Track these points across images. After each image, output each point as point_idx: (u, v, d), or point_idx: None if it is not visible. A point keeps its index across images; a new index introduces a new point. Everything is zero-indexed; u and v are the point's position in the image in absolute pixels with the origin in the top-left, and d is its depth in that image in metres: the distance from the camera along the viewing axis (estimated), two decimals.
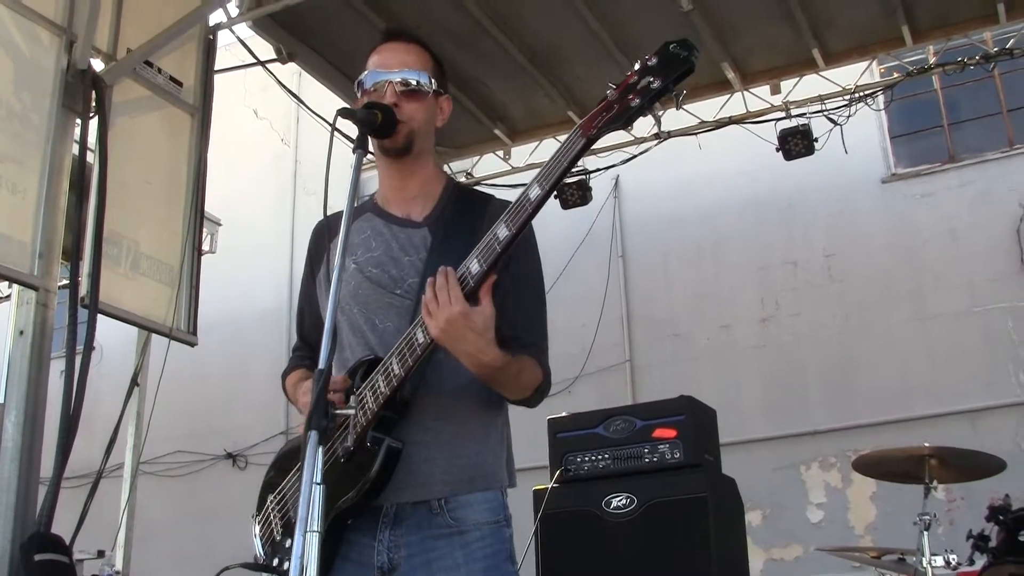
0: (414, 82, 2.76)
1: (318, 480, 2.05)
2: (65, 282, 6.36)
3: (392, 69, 2.77)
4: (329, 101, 9.24)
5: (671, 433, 5.16)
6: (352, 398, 2.47)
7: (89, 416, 5.94)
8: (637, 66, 2.26)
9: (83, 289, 6.03)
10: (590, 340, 12.26)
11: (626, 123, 2.27)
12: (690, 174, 12.27)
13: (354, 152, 2.55)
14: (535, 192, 2.32)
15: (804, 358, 11.62)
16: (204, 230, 8.27)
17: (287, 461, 2.80)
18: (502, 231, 2.34)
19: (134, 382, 7.22)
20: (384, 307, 2.67)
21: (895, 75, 10.35)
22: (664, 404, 5.35)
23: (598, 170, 10.65)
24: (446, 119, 2.89)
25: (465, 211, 2.71)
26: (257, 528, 2.81)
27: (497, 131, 10.55)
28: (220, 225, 11.21)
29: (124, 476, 8.08)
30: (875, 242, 11.64)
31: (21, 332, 6.01)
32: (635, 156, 10.57)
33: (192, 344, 7.08)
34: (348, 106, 2.67)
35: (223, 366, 14.33)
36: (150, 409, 7.57)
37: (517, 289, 2.63)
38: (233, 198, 13.18)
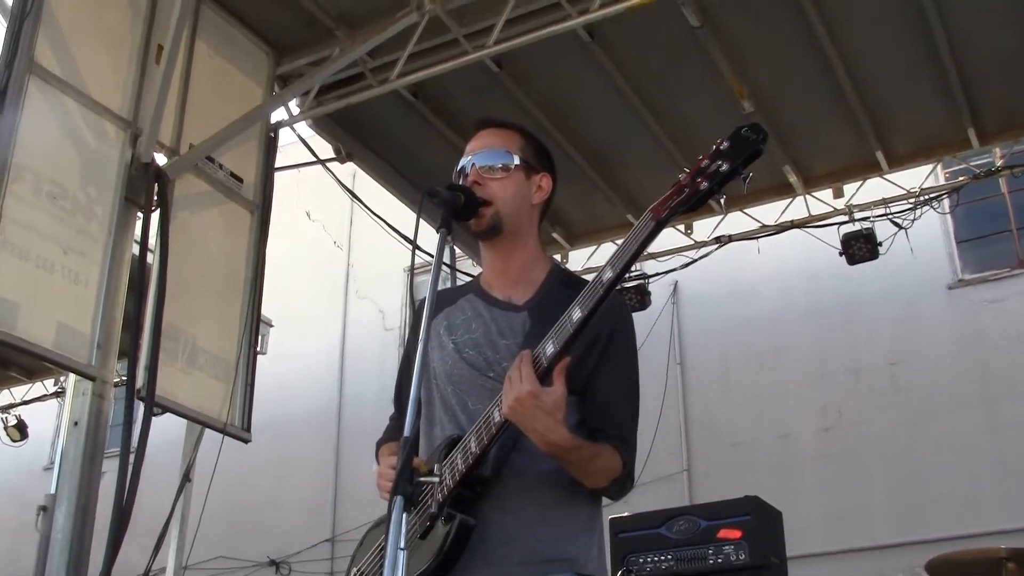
0: (494, 162, 2.87)
1: (403, 546, 2.11)
2: (121, 377, 6.48)
3: (475, 152, 2.90)
4: (384, 203, 9.42)
5: (736, 534, 5.16)
6: (436, 469, 2.56)
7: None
8: (711, 150, 2.33)
9: (139, 382, 6.15)
10: (647, 448, 12.12)
11: (695, 206, 2.34)
12: (750, 279, 12.31)
13: (438, 231, 2.64)
14: (607, 274, 2.40)
15: (868, 469, 11.49)
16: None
17: (370, 536, 2.89)
18: (575, 313, 2.42)
19: (186, 478, 7.27)
20: (477, 389, 2.73)
21: (961, 178, 10.35)
22: (729, 504, 5.35)
23: (657, 274, 10.72)
24: (546, 196, 2.95)
25: (567, 297, 2.65)
26: None
27: (555, 234, 10.66)
28: (272, 326, 11.38)
29: None
30: (942, 349, 11.58)
31: (76, 423, 6.11)
32: (695, 260, 10.61)
33: (246, 440, 7.16)
34: (434, 187, 2.75)
35: (269, 469, 14.38)
36: (197, 511, 7.57)
37: (610, 377, 2.69)
38: (284, 300, 13.33)
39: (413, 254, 2.83)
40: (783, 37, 8.16)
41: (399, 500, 2.16)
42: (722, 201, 2.40)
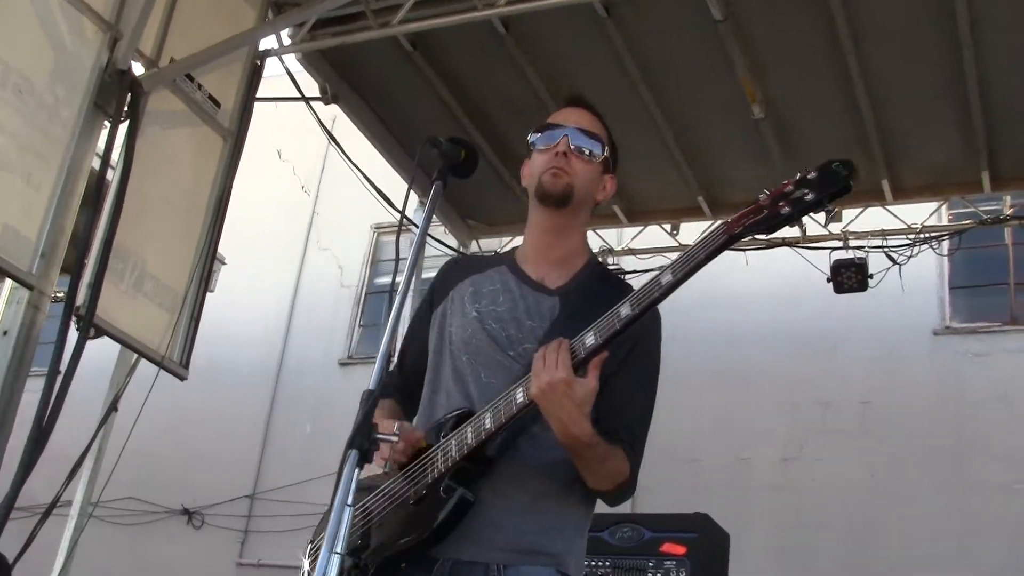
0: (586, 145, 2.98)
1: (350, 502, 2.14)
2: (57, 293, 6.41)
3: (572, 124, 2.99)
4: (361, 154, 9.38)
5: (680, 550, 5.19)
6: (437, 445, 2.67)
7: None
8: (796, 176, 2.42)
9: (80, 300, 6.11)
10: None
11: (771, 229, 2.46)
12: (730, 292, 12.34)
13: (433, 182, 2.69)
14: (667, 278, 2.49)
15: (824, 508, 11.56)
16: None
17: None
18: (625, 310, 2.51)
19: (112, 407, 7.23)
20: (493, 364, 2.82)
21: (966, 222, 10.42)
22: (677, 518, 5.39)
23: (635, 272, 10.71)
24: (607, 197, 3.09)
25: (601, 291, 2.84)
26: (307, 563, 2.91)
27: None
28: (224, 264, 11.31)
29: (71, 514, 7.72)
30: (918, 396, 11.65)
31: (5, 332, 6.05)
32: None
33: (183, 378, 7.14)
34: (435, 136, 2.83)
35: (199, 414, 14.31)
36: (117, 447, 7.46)
37: (629, 382, 2.79)
38: (241, 238, 13.26)
39: (405, 205, 2.87)
40: (806, 44, 8.16)
41: (353, 454, 2.19)
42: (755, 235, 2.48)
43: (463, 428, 2.63)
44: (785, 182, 2.43)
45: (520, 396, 2.55)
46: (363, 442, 2.23)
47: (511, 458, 2.70)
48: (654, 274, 2.52)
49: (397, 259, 2.74)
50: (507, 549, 2.67)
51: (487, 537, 2.66)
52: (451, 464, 2.61)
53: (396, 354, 3.18)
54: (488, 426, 2.58)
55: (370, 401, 2.30)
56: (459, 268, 3.11)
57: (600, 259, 10.29)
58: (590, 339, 2.51)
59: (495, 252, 2.88)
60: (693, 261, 2.46)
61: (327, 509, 2.93)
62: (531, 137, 3.03)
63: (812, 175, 2.40)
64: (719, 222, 2.49)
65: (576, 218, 3.00)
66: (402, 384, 3.11)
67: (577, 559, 2.84)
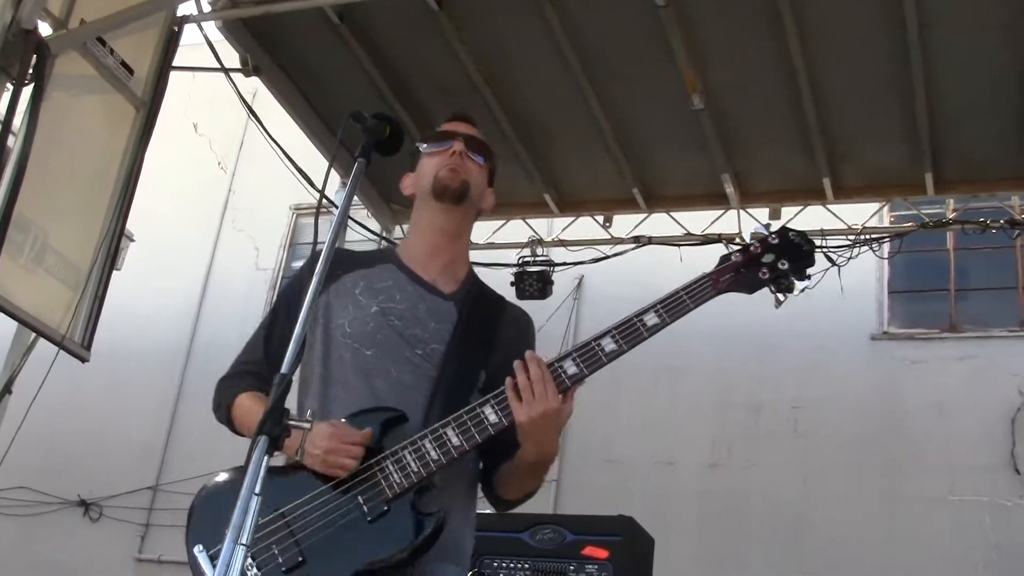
0: (478, 152, 3.16)
1: (258, 491, 2.11)
2: None
3: (464, 131, 3.17)
4: (282, 131, 9.30)
5: (603, 554, 5.21)
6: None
7: None
8: (756, 241, 2.85)
9: None
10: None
11: (751, 290, 2.83)
12: (662, 288, 12.33)
13: (355, 159, 2.70)
14: (652, 320, 2.77)
15: (751, 515, 11.65)
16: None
17: (215, 502, 2.88)
18: (608, 344, 2.78)
19: (6, 389, 7.10)
20: (402, 361, 2.91)
21: (908, 224, 10.52)
22: (600, 521, 5.40)
23: (565, 264, 10.70)
24: (489, 210, 3.26)
25: (486, 304, 3.11)
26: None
27: None
28: (133, 241, 11.17)
29: None
30: (852, 402, 11.74)
31: None
32: (607, 257, 10.64)
33: (84, 359, 7.03)
34: (360, 111, 2.87)
35: (100, 399, 14.13)
36: (9, 432, 7.36)
37: None
38: (152, 215, 13.09)
39: (325, 183, 2.89)
40: (750, 36, 8.21)
41: (263, 440, 2.17)
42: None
43: (419, 442, 2.70)
44: (754, 246, 2.86)
45: (493, 416, 2.69)
46: (274, 428, 2.21)
47: (445, 471, 2.78)
48: (635, 312, 2.79)
49: (315, 242, 2.75)
50: (434, 556, 2.74)
51: (452, 543, 2.83)
52: (415, 480, 2.67)
53: (257, 337, 3.17)
54: (456, 443, 2.69)
55: (282, 385, 2.29)
56: (339, 260, 3.08)
57: (530, 251, 10.42)
58: (571, 368, 2.72)
59: (378, 246, 3.03)
60: (680, 308, 2.79)
61: (205, 496, 2.90)
62: (421, 145, 3.18)
63: (775, 240, 2.82)
64: (704, 274, 2.83)
65: (467, 221, 3.16)
66: (266, 373, 3.06)
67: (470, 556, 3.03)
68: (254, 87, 9.55)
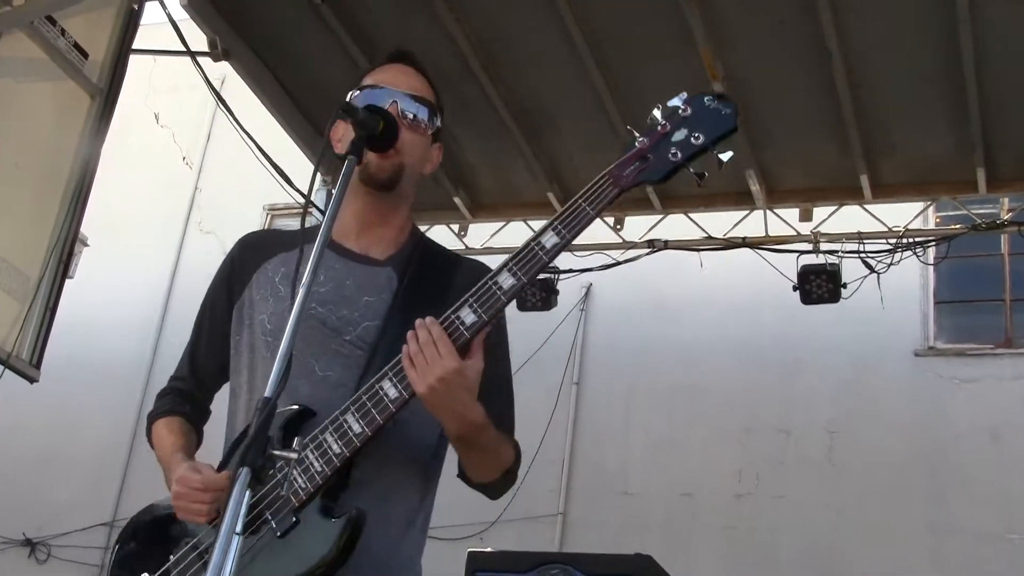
0: (418, 112, 2.98)
1: (239, 530, 2.09)
2: None
3: (399, 88, 2.99)
4: (254, 121, 9.28)
5: None
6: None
7: None
8: (661, 113, 2.62)
9: None
10: (518, 479, 12.13)
11: (665, 178, 2.61)
12: (680, 297, 12.38)
13: (344, 157, 2.66)
14: (551, 240, 2.56)
15: (781, 551, 11.62)
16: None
17: (156, 532, 2.85)
18: (506, 279, 2.58)
19: None
20: (328, 353, 2.82)
21: (956, 226, 10.39)
22: (615, 560, 5.36)
23: (570, 271, 10.66)
24: (434, 169, 3.13)
25: (433, 263, 2.97)
26: None
27: (457, 199, 10.57)
28: (87, 246, 11.19)
29: None
30: (894, 425, 11.72)
31: None
32: (618, 263, 10.59)
33: (32, 380, 7.02)
34: (350, 102, 2.83)
35: (50, 423, 14.11)
36: None
37: (491, 364, 2.74)
38: (109, 216, 13.08)
39: (312, 185, 2.84)
40: (777, 15, 8.17)
41: (244, 473, 2.14)
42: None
43: (319, 436, 2.60)
44: (662, 123, 2.62)
45: (393, 391, 2.57)
46: (256, 458, 2.18)
47: (377, 457, 2.71)
48: (531, 235, 2.59)
49: (302, 249, 2.61)
50: (373, 567, 2.68)
51: (355, 561, 2.61)
52: (321, 481, 2.58)
53: (185, 349, 3.19)
54: (358, 429, 2.57)
55: (266, 410, 2.24)
56: (257, 247, 3.09)
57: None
58: (469, 316, 2.57)
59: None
60: (580, 219, 2.56)
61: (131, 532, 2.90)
62: (353, 97, 2.98)
63: (687, 111, 2.61)
64: (604, 173, 2.61)
65: (403, 199, 3.04)
66: (192, 389, 3.11)
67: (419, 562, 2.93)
68: (223, 73, 9.54)
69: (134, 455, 14.32)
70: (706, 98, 2.63)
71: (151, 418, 3.10)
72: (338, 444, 2.58)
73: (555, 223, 2.57)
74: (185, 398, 3.10)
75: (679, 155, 2.59)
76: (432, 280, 2.89)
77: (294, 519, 2.56)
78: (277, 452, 2.30)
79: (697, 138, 2.58)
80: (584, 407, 12.87)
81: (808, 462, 11.86)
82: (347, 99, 2.96)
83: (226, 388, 3.11)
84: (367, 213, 3.00)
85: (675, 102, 2.65)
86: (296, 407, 2.69)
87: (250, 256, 3.08)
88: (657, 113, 2.65)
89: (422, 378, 2.52)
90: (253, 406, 2.77)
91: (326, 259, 2.86)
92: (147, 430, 3.10)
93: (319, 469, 2.58)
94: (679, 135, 2.60)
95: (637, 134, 2.66)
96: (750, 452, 12.10)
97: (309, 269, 2.45)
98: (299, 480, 2.58)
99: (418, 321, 2.57)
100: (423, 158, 3.02)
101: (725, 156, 2.61)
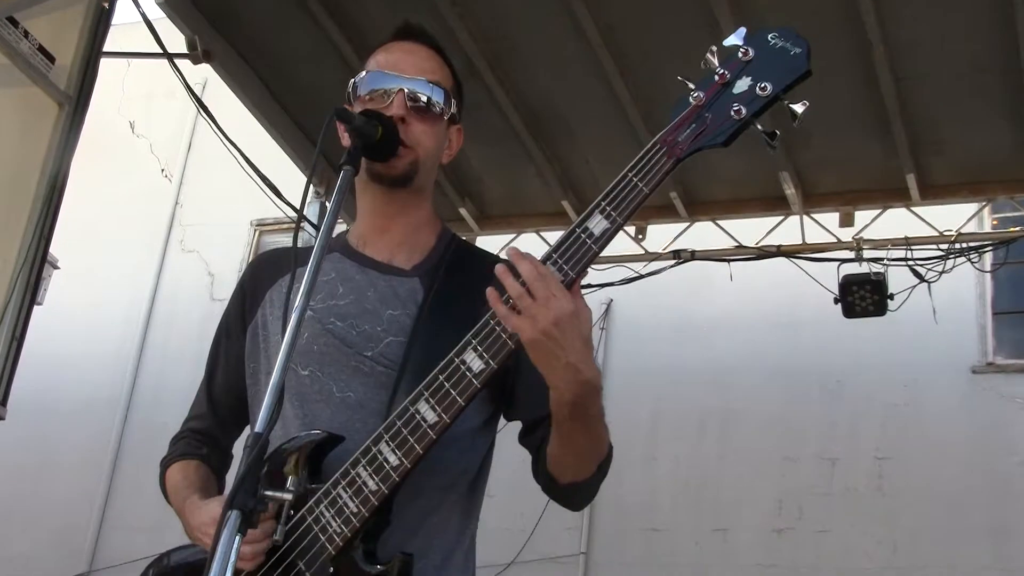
0: (429, 98, 2.89)
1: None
2: None
3: (405, 74, 2.89)
4: (238, 129, 9.26)
5: None
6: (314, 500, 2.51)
7: None
8: (718, 58, 2.41)
9: None
10: (535, 516, 12.12)
11: (728, 141, 2.39)
12: (710, 314, 12.35)
13: (339, 169, 2.61)
14: (600, 225, 2.39)
15: None
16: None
17: None
18: (597, 225, 2.40)
19: None
20: (348, 371, 2.74)
21: (1014, 228, 10.31)
22: None
23: (588, 287, 10.62)
24: (454, 155, 3.05)
25: (465, 268, 2.84)
26: None
27: (463, 210, 10.58)
28: (57, 268, 11.17)
29: None
30: (950, 451, 11.66)
31: None
32: (640, 276, 10.57)
33: None
34: (346, 108, 2.77)
35: (19, 464, 14.09)
36: None
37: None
38: (79, 236, 13.06)
39: (305, 198, 2.81)
40: (812, 3, 8.14)
41: (233, 516, 2.11)
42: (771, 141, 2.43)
43: (351, 471, 2.50)
44: (718, 70, 2.40)
45: (431, 415, 2.44)
46: (246, 500, 2.14)
47: (409, 486, 2.58)
48: (576, 222, 2.42)
49: (294, 268, 2.56)
50: None
51: None
52: (358, 525, 2.48)
53: (201, 387, 3.12)
54: (394, 461, 2.47)
55: (256, 448, 2.20)
56: (270, 264, 3.05)
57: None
58: (556, 275, 2.38)
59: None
60: (633, 197, 2.39)
61: None
62: (357, 82, 2.93)
63: (747, 53, 2.39)
64: (655, 140, 2.41)
65: (423, 192, 2.97)
66: (213, 433, 3.05)
67: None
68: (204, 76, 9.54)
69: (112, 500, 14.32)
70: (770, 35, 2.41)
71: (164, 465, 3.03)
72: (374, 480, 2.48)
73: (602, 203, 2.38)
74: (202, 440, 3.03)
75: (743, 110, 2.36)
76: (465, 289, 2.70)
77: (331, 570, 2.49)
78: (269, 493, 2.27)
79: (764, 87, 2.36)
80: None
81: (855, 493, 11.84)
82: (351, 84, 2.94)
83: None
84: (382, 212, 2.95)
85: (733, 40, 2.44)
86: (321, 433, 2.61)
87: (263, 275, 3.04)
88: (712, 58, 2.44)
89: (532, 322, 2.33)
90: (272, 437, 2.71)
91: (345, 270, 2.87)
92: (160, 478, 3.03)
93: (355, 510, 2.48)
94: (742, 84, 2.38)
95: (691, 85, 2.43)
96: (790, 483, 12.07)
97: (302, 292, 2.40)
98: (333, 523, 2.49)
99: (515, 251, 2.40)
100: (439, 146, 2.95)
101: (799, 107, 2.39)
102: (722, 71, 2.39)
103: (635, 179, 2.38)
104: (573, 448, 2.60)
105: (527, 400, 2.72)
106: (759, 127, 2.39)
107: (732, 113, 2.36)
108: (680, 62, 8.43)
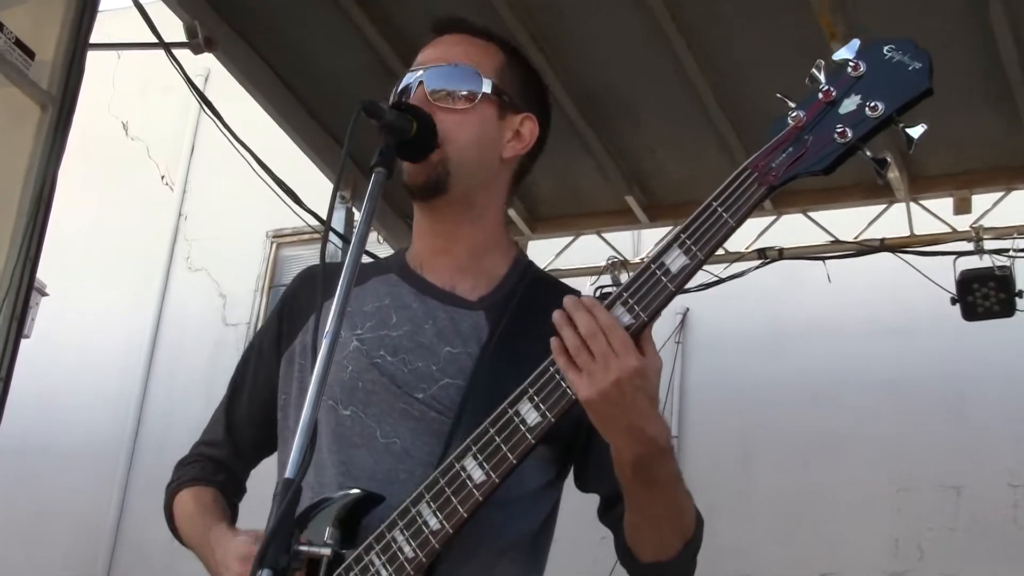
0: (450, 81, 2.88)
1: None
2: None
3: (427, 65, 2.92)
4: (248, 127, 9.27)
5: None
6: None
7: None
8: (824, 72, 2.40)
9: None
10: (608, 560, 12.05)
11: (830, 168, 2.40)
12: (804, 321, 12.30)
13: (371, 171, 2.60)
14: (679, 261, 2.41)
15: None
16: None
17: None
18: (623, 318, 2.40)
19: None
20: (394, 414, 2.75)
21: None
22: None
23: None
24: (526, 148, 3.01)
25: (539, 304, 2.71)
26: None
27: (511, 211, 10.43)
28: (45, 295, 11.25)
29: None
30: None
31: None
32: (720, 280, 10.54)
33: None
34: (374, 101, 2.72)
35: (12, 514, 14.13)
36: None
37: None
38: (70, 257, 13.14)
39: (332, 208, 2.81)
40: None
41: (265, 574, 2.13)
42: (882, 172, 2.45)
43: (387, 534, 2.51)
44: (823, 86, 2.40)
45: (478, 473, 2.45)
46: (278, 557, 2.15)
47: (458, 553, 2.59)
48: (650, 256, 2.44)
49: (321, 289, 2.57)
50: None
51: None
52: None
53: (219, 410, 3.14)
54: (435, 526, 2.47)
55: (288, 496, 2.22)
56: (325, 280, 3.00)
57: (611, 277, 10.30)
58: (626, 316, 2.42)
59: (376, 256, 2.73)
60: (717, 230, 2.40)
61: None
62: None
63: (857, 67, 2.37)
64: (745, 165, 2.43)
65: (473, 201, 2.95)
66: (228, 462, 3.06)
67: None
68: (206, 67, 9.59)
69: (118, 552, 14.37)
70: (886, 47, 2.39)
71: (172, 490, 3.05)
72: (411, 546, 2.49)
73: (681, 236, 2.42)
74: (218, 467, 3.05)
75: (849, 133, 2.36)
76: (537, 329, 2.57)
77: None
78: (304, 548, 2.28)
79: (875, 107, 2.35)
80: (688, 466, 12.54)
81: (986, 526, 11.72)
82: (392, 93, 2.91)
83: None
84: (431, 230, 2.97)
85: (843, 54, 2.42)
86: (358, 492, 2.60)
87: (308, 294, 3.02)
88: (818, 73, 2.45)
89: (590, 381, 2.37)
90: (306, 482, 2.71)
91: (401, 296, 2.89)
92: (166, 507, 3.05)
93: None
94: (849, 104, 2.38)
95: (791, 104, 2.44)
96: (908, 517, 11.98)
97: (333, 314, 2.41)
98: None
99: (572, 300, 2.44)
100: (482, 139, 2.91)
101: (916, 131, 2.38)
102: (827, 87, 2.40)
103: (720, 209, 2.40)
104: (647, 518, 2.63)
105: (603, 471, 2.67)
106: (867, 153, 2.39)
107: (836, 136, 2.37)
108: (755, 26, 8.49)
